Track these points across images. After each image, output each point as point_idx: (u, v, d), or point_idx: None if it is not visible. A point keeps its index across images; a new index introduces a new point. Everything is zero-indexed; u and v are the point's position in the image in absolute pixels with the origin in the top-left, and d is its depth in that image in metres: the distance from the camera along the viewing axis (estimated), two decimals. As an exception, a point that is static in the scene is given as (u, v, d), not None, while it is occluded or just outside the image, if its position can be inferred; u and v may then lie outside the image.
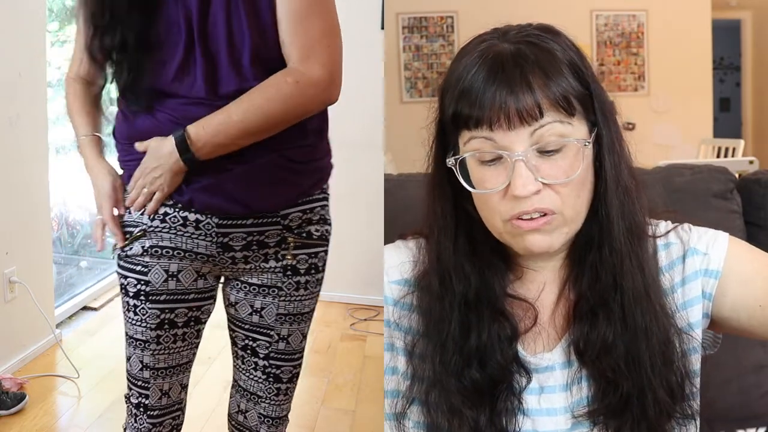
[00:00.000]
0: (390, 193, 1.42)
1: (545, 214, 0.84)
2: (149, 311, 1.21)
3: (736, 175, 1.56)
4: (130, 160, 1.19)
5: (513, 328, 0.91)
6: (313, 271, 1.27)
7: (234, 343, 1.34)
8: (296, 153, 1.19)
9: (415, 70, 5.37)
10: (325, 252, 1.31)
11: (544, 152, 0.83)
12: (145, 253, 1.19)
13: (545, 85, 0.82)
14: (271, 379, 1.30)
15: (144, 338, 1.23)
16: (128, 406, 1.31)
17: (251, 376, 1.31)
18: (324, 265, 1.31)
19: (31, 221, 2.77)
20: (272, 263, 1.23)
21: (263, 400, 1.32)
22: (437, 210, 0.94)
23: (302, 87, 1.15)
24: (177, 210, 1.17)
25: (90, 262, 3.95)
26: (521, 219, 0.84)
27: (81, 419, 2.40)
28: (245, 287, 1.26)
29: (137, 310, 1.22)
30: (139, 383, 1.27)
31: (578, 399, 0.91)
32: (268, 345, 1.28)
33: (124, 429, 1.34)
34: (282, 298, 1.26)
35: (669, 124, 5.17)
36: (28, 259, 2.75)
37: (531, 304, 0.93)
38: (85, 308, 3.41)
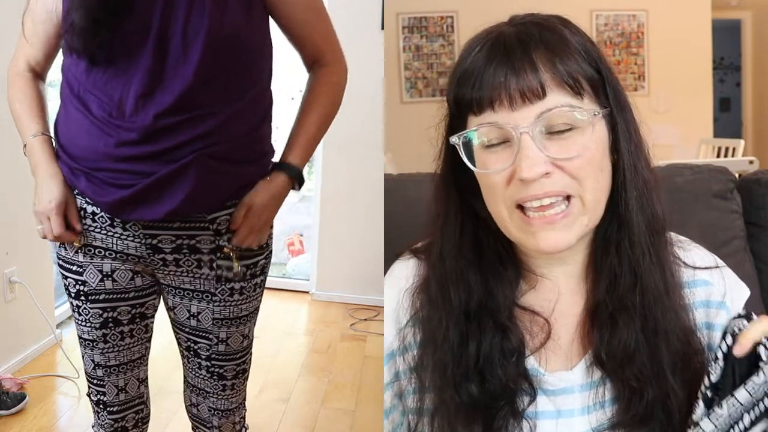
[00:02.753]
0: (390, 193, 1.42)
1: (566, 200, 0.78)
2: (92, 311, 1.21)
3: (736, 175, 1.56)
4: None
5: (519, 341, 0.86)
6: (249, 278, 1.24)
7: (178, 343, 1.33)
8: (226, 150, 1.13)
9: (415, 70, 5.37)
10: (265, 257, 1.27)
11: (552, 133, 0.78)
12: (78, 252, 1.19)
13: (551, 63, 0.78)
14: (215, 377, 1.30)
15: (91, 338, 1.24)
16: (91, 404, 1.33)
17: (197, 374, 1.32)
18: (264, 269, 1.29)
19: (31, 221, 2.75)
20: (205, 270, 1.20)
21: (211, 395, 1.32)
22: (441, 211, 0.90)
23: (342, 82, 1.27)
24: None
25: (90, 262, 3.95)
26: (524, 212, 0.79)
27: (81, 419, 2.40)
28: (180, 292, 1.24)
29: (80, 310, 1.23)
30: (95, 381, 1.29)
31: (601, 422, 0.86)
32: (208, 347, 1.28)
33: (92, 426, 1.35)
34: (216, 304, 1.23)
35: (669, 124, 5.16)
36: (28, 259, 2.75)
37: (544, 317, 0.87)
38: (85, 308, 3.41)
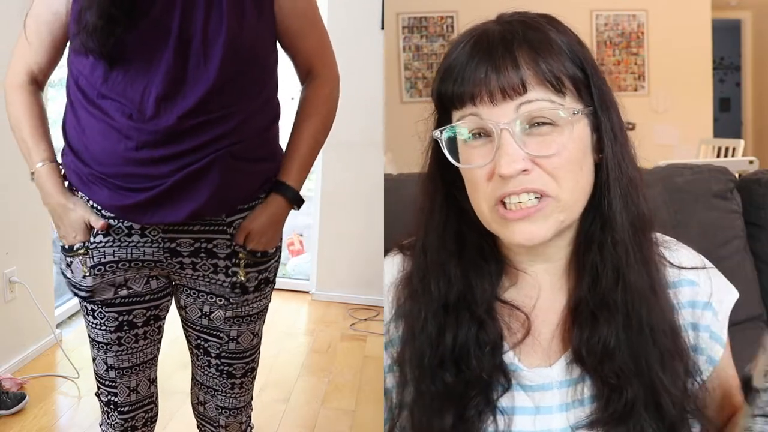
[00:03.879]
0: (390, 193, 1.42)
1: (539, 198, 0.79)
2: (107, 315, 1.21)
3: (736, 175, 1.56)
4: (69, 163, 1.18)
5: (496, 334, 0.86)
6: (262, 285, 1.27)
7: (188, 341, 1.34)
8: (243, 150, 1.15)
9: (415, 70, 5.37)
10: (277, 260, 1.29)
11: (532, 126, 0.79)
12: (87, 276, 1.17)
13: (533, 61, 0.79)
14: (224, 376, 1.31)
15: (105, 341, 1.24)
16: (100, 404, 1.33)
17: (206, 372, 1.32)
18: (275, 274, 1.31)
19: (31, 221, 2.77)
20: (221, 277, 1.21)
21: (219, 393, 1.33)
22: (426, 206, 0.91)
23: (335, 92, 1.28)
24: (120, 220, 1.15)
25: (90, 262, 3.95)
26: (506, 208, 0.80)
27: (81, 419, 2.40)
28: (194, 293, 1.25)
29: (95, 314, 1.22)
30: (107, 383, 1.29)
31: (580, 419, 0.86)
32: (218, 345, 1.29)
33: (101, 425, 1.36)
34: (228, 306, 1.25)
35: (669, 124, 5.16)
36: (28, 259, 2.75)
37: (524, 313, 0.88)
38: (85, 308, 3.41)
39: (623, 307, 0.84)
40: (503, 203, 0.80)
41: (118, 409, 1.31)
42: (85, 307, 1.23)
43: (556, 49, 0.80)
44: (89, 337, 1.27)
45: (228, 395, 1.33)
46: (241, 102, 1.13)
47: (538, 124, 0.79)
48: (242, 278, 1.21)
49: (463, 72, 0.81)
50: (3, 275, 2.60)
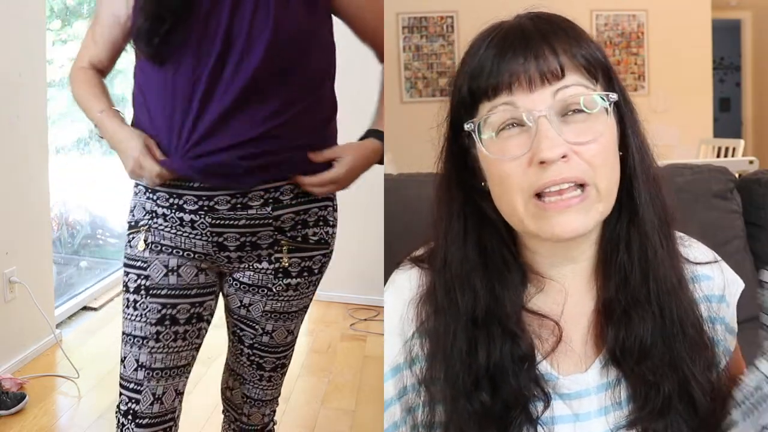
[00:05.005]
0: (390, 193, 1.42)
1: (580, 188, 0.77)
2: (150, 305, 1.19)
3: (736, 175, 1.56)
4: None
5: (529, 346, 0.84)
6: (306, 274, 1.28)
7: (227, 326, 1.37)
8: (312, 138, 1.21)
9: (415, 70, 5.37)
10: (324, 255, 1.30)
11: (568, 114, 0.78)
12: (146, 249, 1.20)
13: (569, 48, 0.79)
14: (254, 366, 1.34)
15: (143, 334, 1.20)
16: (117, 418, 1.24)
17: (237, 360, 1.35)
18: (322, 267, 1.32)
19: (31, 221, 2.77)
20: (265, 264, 1.24)
21: (247, 382, 1.35)
22: (444, 215, 0.88)
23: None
24: (173, 211, 1.19)
25: (90, 262, 3.95)
26: (547, 198, 0.77)
27: (81, 419, 2.40)
28: (236, 284, 1.27)
29: (137, 305, 1.20)
30: (132, 386, 1.21)
31: (619, 421, 0.84)
32: (252, 336, 1.31)
33: None
34: (270, 298, 1.27)
35: (669, 124, 5.16)
36: (28, 259, 2.75)
37: (553, 320, 0.85)
38: (85, 308, 3.40)
39: (655, 302, 0.84)
40: (539, 196, 0.78)
41: (137, 420, 1.21)
42: (128, 299, 1.22)
43: (587, 40, 0.82)
44: (124, 333, 1.22)
45: (256, 386, 1.36)
46: (287, 97, 1.16)
47: (574, 112, 0.78)
48: (285, 263, 1.24)
49: (499, 62, 0.79)
50: (3, 275, 2.60)
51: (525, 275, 0.87)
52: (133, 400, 1.21)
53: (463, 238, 0.87)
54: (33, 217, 2.79)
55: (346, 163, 1.24)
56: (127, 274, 1.23)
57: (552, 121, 0.77)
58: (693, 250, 0.94)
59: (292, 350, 1.38)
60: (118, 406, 1.24)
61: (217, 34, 1.11)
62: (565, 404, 0.85)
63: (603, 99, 0.80)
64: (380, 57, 1.42)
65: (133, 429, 1.21)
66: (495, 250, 0.86)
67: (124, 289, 1.24)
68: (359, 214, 3.59)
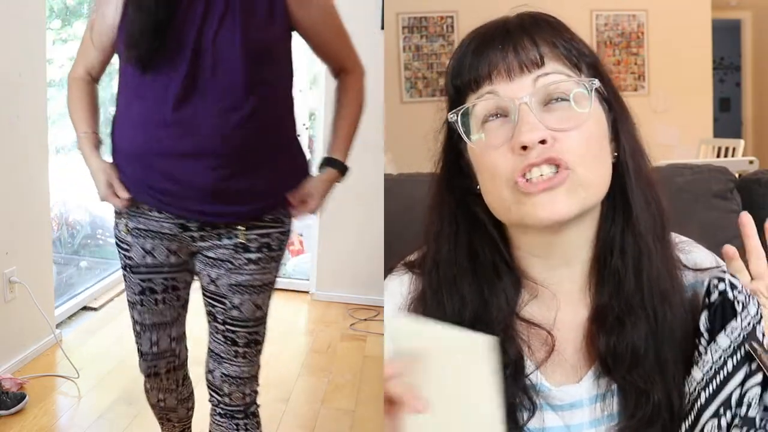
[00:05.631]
0: (390, 193, 1.42)
1: (557, 169, 0.77)
2: (133, 280, 1.47)
3: (736, 175, 1.56)
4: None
5: (517, 354, 0.83)
6: (265, 250, 1.42)
7: (205, 309, 1.50)
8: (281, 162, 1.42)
9: (415, 70, 5.37)
10: (281, 233, 1.45)
11: (551, 102, 0.79)
12: (128, 233, 1.45)
13: (551, 40, 0.80)
14: (229, 342, 1.46)
15: (132, 300, 1.50)
16: (136, 348, 1.58)
17: (215, 339, 1.49)
18: (281, 245, 1.46)
19: (31, 221, 2.77)
20: (225, 241, 1.41)
21: (225, 360, 1.48)
22: (436, 218, 0.89)
23: (364, 86, 1.53)
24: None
25: (90, 262, 3.95)
26: (529, 180, 0.77)
27: (81, 419, 2.40)
28: (204, 259, 1.44)
29: (126, 278, 1.49)
30: (135, 334, 1.55)
31: (610, 431, 0.84)
32: (223, 312, 1.45)
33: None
34: (233, 272, 1.41)
35: (669, 124, 5.16)
36: (28, 259, 2.75)
37: (546, 330, 0.85)
38: (85, 308, 3.40)
39: (649, 307, 0.83)
40: (524, 179, 0.78)
41: (143, 356, 1.56)
42: (122, 272, 1.50)
43: (570, 34, 0.83)
44: (126, 293, 1.52)
45: (232, 363, 1.47)
46: (252, 101, 1.32)
47: (556, 100, 0.79)
48: (242, 239, 1.40)
49: (479, 55, 0.81)
50: (3, 275, 2.60)
51: (518, 282, 0.86)
52: (139, 344, 1.55)
53: (453, 242, 0.87)
54: (33, 217, 2.79)
55: (316, 198, 1.46)
56: (119, 253, 1.49)
57: (533, 108, 0.78)
58: (693, 255, 0.92)
59: (264, 328, 1.50)
60: (135, 342, 1.57)
61: (187, 46, 1.27)
62: (557, 415, 0.84)
63: (585, 87, 0.80)
64: (334, 73, 1.53)
65: (143, 362, 1.57)
66: (486, 255, 0.86)
67: (121, 264, 1.51)
68: (359, 214, 3.60)
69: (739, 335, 0.78)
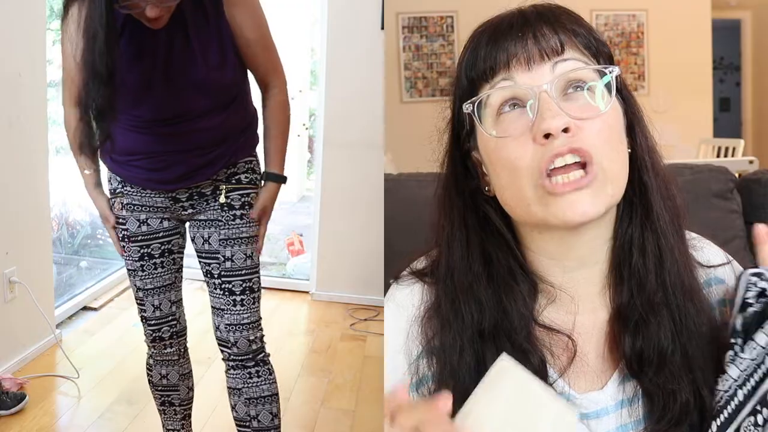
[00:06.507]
0: (390, 193, 1.42)
1: (584, 167, 0.74)
2: (132, 248, 1.63)
3: (736, 175, 1.56)
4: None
5: (540, 362, 0.80)
6: (248, 207, 1.62)
7: (202, 271, 1.66)
8: (235, 126, 1.59)
9: (415, 70, 5.37)
10: (255, 192, 1.64)
11: (569, 92, 0.77)
12: (123, 208, 1.62)
13: (570, 29, 0.78)
14: (227, 293, 1.62)
15: (133, 268, 1.65)
16: (139, 317, 1.71)
17: (215, 295, 1.64)
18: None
19: (31, 221, 2.77)
20: (212, 203, 1.61)
21: (225, 312, 1.62)
22: (446, 222, 0.86)
23: (287, 97, 1.69)
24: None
25: (90, 262, 3.95)
26: (556, 177, 0.74)
27: (81, 419, 2.40)
28: (196, 223, 1.64)
29: (125, 248, 1.64)
30: (138, 301, 1.68)
31: None
32: (218, 266, 1.62)
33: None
34: (222, 227, 1.61)
35: (669, 124, 5.15)
36: (28, 259, 2.75)
37: (567, 335, 0.81)
38: (85, 308, 3.40)
39: (674, 306, 0.80)
40: (548, 177, 0.75)
41: (148, 322, 1.69)
42: (122, 246, 1.64)
43: (587, 25, 0.81)
44: (126, 268, 1.67)
45: (232, 312, 1.61)
46: (213, 115, 1.52)
47: (575, 89, 0.77)
48: (224, 200, 1.60)
49: (495, 42, 0.78)
50: (3, 275, 2.60)
51: (535, 286, 0.84)
52: (142, 310, 1.69)
53: (466, 247, 0.84)
54: (33, 217, 2.79)
55: (270, 208, 1.67)
56: (116, 227, 1.64)
57: (553, 97, 0.75)
58: (705, 252, 0.91)
59: (257, 279, 1.65)
60: (138, 312, 1.71)
61: (157, 77, 1.43)
62: (583, 424, 0.81)
63: (605, 75, 0.78)
64: (258, 82, 1.66)
65: (147, 328, 1.70)
66: (500, 260, 0.83)
67: (119, 238, 1.65)
68: (359, 214, 3.60)
69: None
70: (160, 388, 1.80)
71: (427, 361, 0.85)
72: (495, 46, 0.78)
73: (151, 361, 1.78)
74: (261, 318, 1.67)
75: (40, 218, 2.86)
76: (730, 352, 0.79)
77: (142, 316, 1.70)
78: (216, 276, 1.62)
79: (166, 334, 1.71)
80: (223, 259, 1.61)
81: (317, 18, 3.76)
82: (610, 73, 0.78)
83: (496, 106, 0.79)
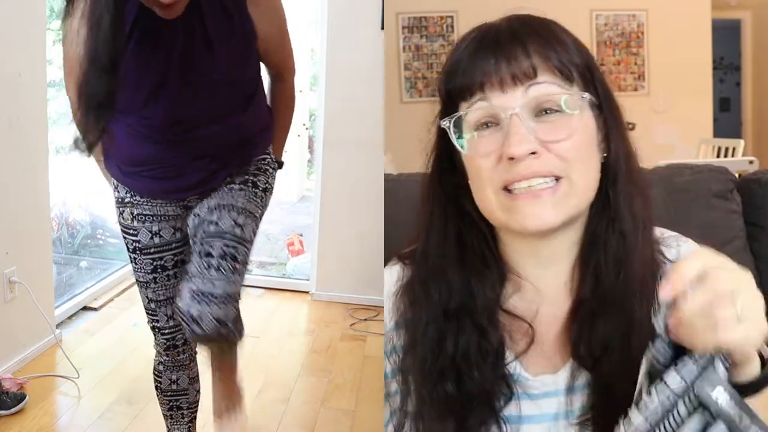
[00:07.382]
0: (390, 193, 1.42)
1: (555, 180, 0.78)
2: (145, 261, 1.57)
3: (736, 175, 1.56)
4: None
5: (499, 342, 0.85)
6: (250, 185, 1.54)
7: (191, 247, 1.53)
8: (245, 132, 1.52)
9: (415, 70, 5.37)
10: (267, 178, 1.59)
11: (541, 113, 0.79)
12: (134, 220, 1.56)
13: (543, 51, 0.80)
14: (203, 255, 1.39)
15: (145, 280, 1.59)
16: (150, 328, 1.66)
17: (192, 260, 1.42)
18: (265, 185, 1.58)
19: (31, 221, 2.77)
20: (221, 185, 1.53)
21: (195, 276, 1.37)
22: (426, 211, 0.90)
23: (294, 89, 1.67)
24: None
25: (90, 262, 3.95)
26: (520, 183, 0.78)
27: (81, 419, 2.40)
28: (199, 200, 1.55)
29: (137, 260, 1.58)
30: (150, 312, 1.62)
31: (581, 421, 0.84)
32: (203, 231, 1.46)
33: (154, 347, 1.69)
34: (218, 195, 1.50)
35: (669, 124, 5.16)
36: (28, 259, 2.75)
37: (527, 322, 0.86)
38: (85, 308, 3.40)
39: (625, 303, 0.83)
40: (508, 190, 0.80)
41: (161, 332, 1.64)
42: (130, 256, 1.59)
43: (563, 42, 0.82)
44: (135, 279, 1.61)
45: (204, 278, 1.35)
46: (227, 117, 1.47)
47: (547, 111, 0.80)
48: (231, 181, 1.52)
49: (473, 63, 0.81)
50: (3, 275, 2.60)
51: (504, 275, 0.88)
52: (154, 320, 1.63)
53: (443, 234, 0.89)
54: (33, 217, 2.79)
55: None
56: (125, 238, 1.58)
57: (524, 119, 0.78)
58: (680, 250, 0.92)
59: (244, 248, 1.43)
60: (148, 322, 1.65)
61: (175, 73, 1.36)
62: (534, 404, 0.85)
63: (577, 99, 0.80)
64: (270, 74, 1.62)
65: (160, 337, 1.65)
66: (474, 247, 0.88)
67: (126, 248, 1.60)
68: (359, 214, 3.60)
69: (696, 375, 0.66)
70: (169, 393, 1.75)
71: (397, 333, 0.91)
72: (473, 65, 0.82)
73: (161, 368, 1.71)
74: (239, 296, 1.40)
75: (40, 218, 2.86)
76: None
77: (154, 326, 1.64)
78: (198, 237, 1.45)
79: (179, 342, 1.66)
80: (208, 222, 1.46)
81: (317, 18, 3.76)
82: (582, 99, 0.81)
83: (473, 123, 0.83)
